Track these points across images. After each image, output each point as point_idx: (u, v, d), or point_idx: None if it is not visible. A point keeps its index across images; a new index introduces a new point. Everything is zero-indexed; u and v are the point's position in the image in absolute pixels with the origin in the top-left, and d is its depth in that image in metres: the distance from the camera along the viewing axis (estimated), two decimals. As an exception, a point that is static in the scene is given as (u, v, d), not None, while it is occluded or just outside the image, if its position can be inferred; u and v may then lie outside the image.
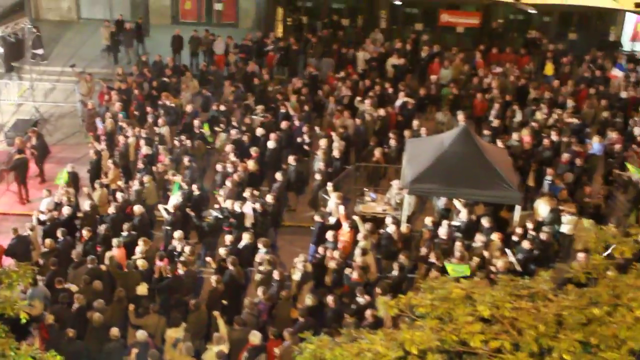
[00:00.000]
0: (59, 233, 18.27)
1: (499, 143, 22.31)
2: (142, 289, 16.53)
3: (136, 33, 31.99)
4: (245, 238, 18.10)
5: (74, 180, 21.44)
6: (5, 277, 10.86)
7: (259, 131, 23.36)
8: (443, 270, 16.41)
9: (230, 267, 16.90)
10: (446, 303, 9.54)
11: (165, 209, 19.51)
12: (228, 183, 20.42)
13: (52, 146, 25.29)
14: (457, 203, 19.65)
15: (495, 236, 18.21)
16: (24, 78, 29.92)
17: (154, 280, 16.85)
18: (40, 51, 30.95)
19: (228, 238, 18.11)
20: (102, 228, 18.77)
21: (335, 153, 22.40)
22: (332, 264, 17.45)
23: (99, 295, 16.16)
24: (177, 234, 18.14)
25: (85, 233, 18.53)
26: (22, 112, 28.30)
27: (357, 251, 17.97)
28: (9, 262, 17.76)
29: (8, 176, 23.39)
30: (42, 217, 19.32)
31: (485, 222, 18.87)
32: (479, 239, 18.25)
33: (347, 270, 17.23)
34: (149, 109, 25.05)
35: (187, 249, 17.55)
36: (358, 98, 26.36)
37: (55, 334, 15.21)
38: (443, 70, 29.02)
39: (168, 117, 24.48)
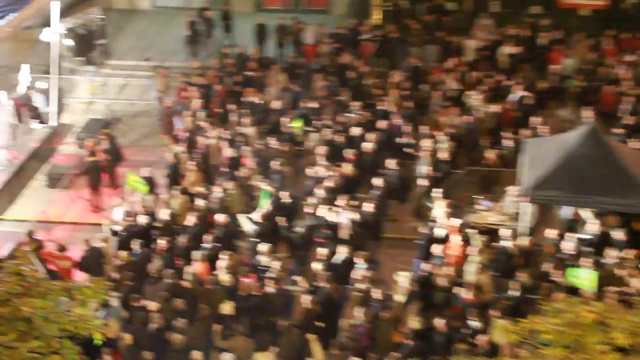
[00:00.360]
0: (134, 244, 18.69)
1: (633, 143, 21.70)
2: (226, 308, 16.72)
3: (223, 22, 32.44)
4: (342, 252, 18.10)
5: (151, 185, 21.90)
6: (77, 293, 11.07)
7: (355, 131, 23.35)
8: (570, 291, 16.04)
9: (325, 285, 16.92)
10: (575, 329, 9.30)
11: (251, 219, 19.74)
12: (321, 189, 20.48)
13: (125, 148, 25.90)
14: (584, 213, 19.21)
15: (630, 252, 17.74)
16: (95, 73, 30.79)
17: (240, 298, 17.02)
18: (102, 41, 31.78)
19: (322, 252, 18.14)
20: (181, 239, 19.09)
21: (442, 155, 22.21)
22: (440, 282, 17.28)
23: (179, 314, 16.42)
24: (265, 247, 18.28)
25: (163, 244, 18.89)
26: (94, 111, 29.06)
27: (469, 267, 17.77)
28: (81, 276, 18.29)
29: (79, 182, 24.08)
30: (116, 227, 19.82)
31: (617, 235, 18.39)
32: (610, 255, 17.80)
33: (458, 290, 17.04)
34: (231, 106, 25.38)
35: (276, 263, 17.66)
36: (467, 92, 26.09)
37: (131, 357, 15.52)
38: (565, 59, 28.42)
39: (253, 115, 24.76)
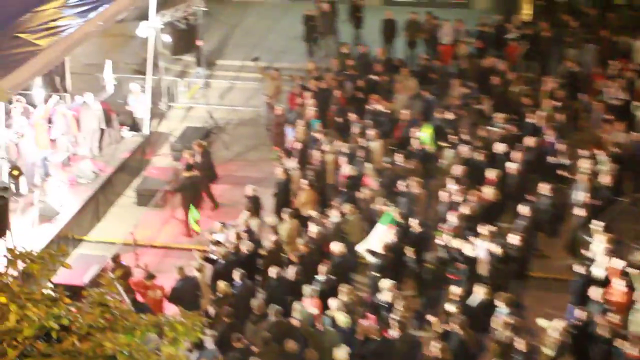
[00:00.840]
0: (235, 275, 18.83)
1: None
2: (341, 354, 16.64)
3: (351, 15, 32.61)
4: (479, 292, 17.84)
5: (255, 207, 22.08)
6: (168, 329, 11.14)
7: (498, 147, 23.07)
8: None
9: (458, 331, 16.69)
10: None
11: (372, 250, 19.64)
12: (455, 217, 20.27)
13: (229, 162, 26.26)
14: None
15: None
16: (198, 74, 31.40)
17: (357, 343, 16.94)
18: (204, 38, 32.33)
19: (455, 291, 17.91)
20: (290, 271, 19.15)
21: (603, 180, 21.72)
22: (599, 333, 16.84)
23: (286, 358, 16.44)
24: (388, 283, 18.16)
25: (269, 276, 18.98)
26: (193, 118, 29.65)
27: (635, 317, 17.23)
28: (172, 310, 18.55)
29: (174, 200, 24.53)
30: (214, 255, 20.04)
31: None
32: None
33: (621, 343, 16.56)
34: (352, 115, 25.46)
35: (400, 303, 17.51)
36: (635, 103, 25.48)
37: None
38: None
39: (377, 126, 24.72)
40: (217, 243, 20.33)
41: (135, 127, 27.74)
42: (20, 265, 9.18)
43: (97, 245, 23.30)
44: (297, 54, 32.52)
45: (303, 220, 21.29)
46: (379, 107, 25.73)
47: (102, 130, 26.60)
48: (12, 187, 22.24)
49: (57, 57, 23.25)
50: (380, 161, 23.44)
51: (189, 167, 23.66)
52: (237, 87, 31.27)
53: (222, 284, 18.55)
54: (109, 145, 26.90)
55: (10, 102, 23.94)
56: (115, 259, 19.99)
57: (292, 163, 23.52)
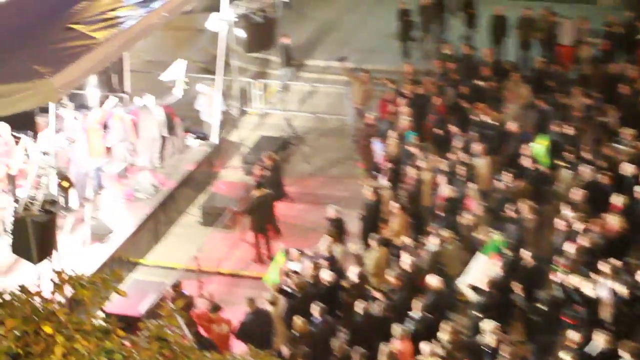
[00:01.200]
0: (314, 310, 18.77)
1: None
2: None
3: (464, 12, 32.46)
4: (599, 339, 17.54)
5: (337, 231, 22.03)
6: (237, 371, 11.19)
7: (626, 169, 22.75)
8: None
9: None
10: None
11: (474, 285, 19.52)
12: (574, 249, 20.02)
13: (309, 178, 26.29)
14: None
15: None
16: (270, 76, 31.56)
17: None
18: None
19: (572, 337, 17.65)
20: (377, 307, 19.06)
21: None
22: None
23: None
24: (491, 325, 17.97)
25: (352, 312, 18.87)
26: (269, 126, 29.82)
27: None
28: (240, 347, 18.58)
29: (244, 221, 24.58)
30: (290, 285, 20.01)
31: None
32: None
33: None
34: (453, 127, 25.35)
35: (506, 349, 17.33)
36: None
37: None
38: None
39: (483, 140, 24.54)
40: (294, 273, 20.31)
41: (202, 134, 27.92)
42: (69, 290, 9.24)
43: (156, 271, 23.53)
44: (390, 54, 32.50)
45: (394, 249, 21.22)
46: (485, 118, 25.54)
47: (164, 138, 26.84)
48: (61, 200, 22.51)
49: (115, 53, 23.53)
50: (485, 181, 23.29)
51: (260, 185, 23.72)
52: (320, 92, 31.35)
53: (298, 320, 18.50)
54: (171, 155, 27.16)
55: (60, 104, 24.23)
56: (176, 287, 20.09)
57: (383, 181, 23.47)
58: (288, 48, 31.29)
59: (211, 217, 25.15)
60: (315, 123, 29.85)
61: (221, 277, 23.13)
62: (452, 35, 32.42)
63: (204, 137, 27.90)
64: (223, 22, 28.18)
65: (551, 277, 19.70)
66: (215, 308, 19.36)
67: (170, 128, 26.97)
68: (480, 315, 18.80)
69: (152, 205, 24.93)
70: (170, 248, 24.58)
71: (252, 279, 22.70)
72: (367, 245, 21.31)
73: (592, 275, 19.29)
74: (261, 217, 23.66)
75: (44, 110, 22.95)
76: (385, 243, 21.30)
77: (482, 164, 23.81)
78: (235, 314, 19.54)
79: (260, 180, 23.96)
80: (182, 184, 26.25)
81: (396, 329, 18.07)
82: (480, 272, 19.88)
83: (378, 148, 25.28)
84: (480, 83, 27.63)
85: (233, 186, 26.44)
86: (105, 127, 25.85)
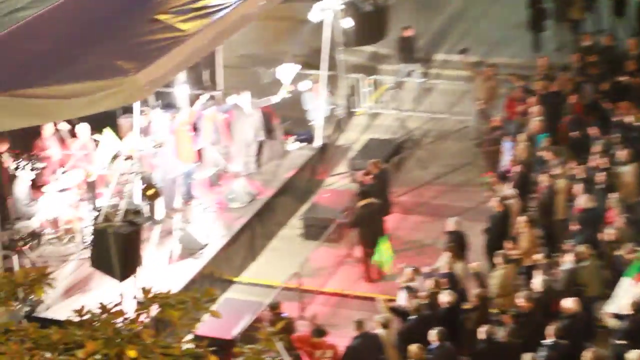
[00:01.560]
0: (431, 335, 18.61)
1: None
2: None
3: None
4: None
5: (458, 247, 21.84)
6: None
7: None
8: None
9: None
10: None
11: (617, 310, 19.21)
12: None
13: (425, 187, 26.15)
14: None
15: None
16: (381, 72, 31.49)
17: None
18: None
19: None
20: (504, 332, 18.87)
21: None
22: None
23: None
24: (637, 354, 17.67)
25: (475, 338, 18.75)
26: (380, 128, 29.80)
27: None
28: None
29: (351, 234, 24.50)
30: (403, 306, 19.91)
31: None
32: None
33: None
34: (593, 129, 25.03)
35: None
36: None
37: None
38: None
39: (628, 144, 24.17)
40: (409, 292, 20.19)
41: (304, 137, 27.95)
42: (155, 310, 9.27)
43: (251, 289, 23.64)
44: (518, 47, 32.25)
45: (523, 267, 21.01)
46: (629, 119, 25.21)
47: (261, 141, 26.92)
48: (146, 210, 22.71)
49: (206, 46, 23.52)
50: (629, 191, 23.01)
51: (364, 194, 23.60)
52: (438, 89, 31.21)
53: (413, 347, 18.35)
54: (269, 160, 27.21)
55: (146, 103, 24.37)
56: (275, 307, 20.13)
57: (510, 191, 23.23)
58: (411, 41, 31.19)
59: (314, 229, 25.16)
60: (432, 124, 29.78)
61: (325, 296, 23.12)
62: (591, 25, 31.97)
63: (306, 140, 27.92)
64: (328, 12, 28.08)
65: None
66: (319, 332, 19.32)
67: (268, 130, 27.03)
68: (624, 344, 18.50)
69: (247, 216, 24.95)
70: (267, 264, 24.67)
71: (360, 299, 22.67)
72: (492, 263, 21.13)
73: None
74: (370, 230, 23.54)
75: (128, 110, 23.15)
76: (513, 260, 21.08)
77: (625, 170, 23.48)
78: (341, 338, 19.51)
79: (364, 189, 23.85)
80: (281, 192, 26.24)
81: (526, 357, 17.89)
82: (626, 298, 19.57)
83: (505, 152, 25.03)
84: (624, 79, 27.26)
85: (339, 195, 26.40)
86: (195, 128, 25.98)
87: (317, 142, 27.94)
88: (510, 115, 26.77)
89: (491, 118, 26.38)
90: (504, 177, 24.24)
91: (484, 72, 28.43)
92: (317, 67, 28.25)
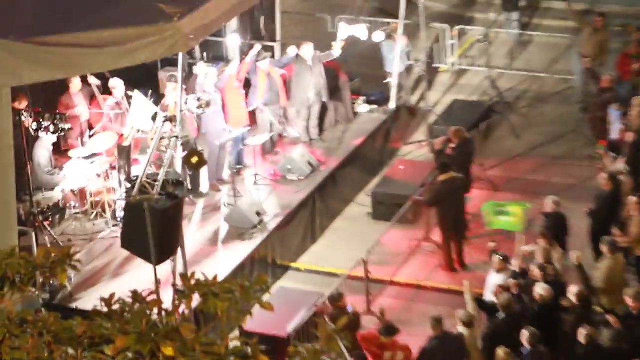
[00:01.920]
0: (523, 337, 18.54)
1: None
2: None
3: None
4: None
5: (557, 232, 21.68)
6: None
7: None
8: None
9: None
10: None
11: None
12: None
13: (519, 159, 26.03)
14: None
15: None
16: (470, 21, 31.43)
17: None
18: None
19: None
20: (609, 335, 18.73)
21: None
22: None
23: None
24: None
25: (575, 341, 18.65)
26: (467, 88, 29.79)
27: None
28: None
29: (428, 214, 24.48)
30: (492, 300, 19.85)
31: None
32: None
33: None
34: None
35: None
36: None
37: None
38: None
39: None
40: (498, 287, 20.14)
41: (376, 98, 27.86)
42: (196, 301, 9.28)
43: (310, 277, 23.69)
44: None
45: (634, 258, 20.91)
46: None
47: (325, 102, 26.88)
48: (189, 181, 22.76)
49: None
50: None
51: (444, 167, 23.44)
52: (536, 42, 31.05)
53: (501, 351, 18.30)
54: (334, 124, 27.22)
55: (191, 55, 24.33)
56: (337, 300, 20.07)
57: (621, 165, 23.09)
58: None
59: (385, 208, 25.13)
60: (529, 84, 29.73)
61: (397, 288, 23.11)
62: None
63: (378, 102, 27.85)
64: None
65: None
66: (389, 330, 19.26)
67: (334, 89, 26.96)
68: None
69: (307, 190, 24.97)
70: (329, 248, 24.66)
71: (439, 292, 22.67)
72: (598, 252, 20.99)
73: None
74: (452, 210, 23.47)
75: (170, 63, 23.17)
76: (622, 250, 20.98)
77: None
78: (415, 337, 19.47)
79: (445, 161, 23.72)
80: (347, 162, 26.23)
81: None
82: None
83: (616, 119, 24.87)
84: None
85: (415, 167, 26.35)
86: (247, 86, 25.99)
87: (392, 104, 27.91)
88: (624, 75, 26.61)
89: (600, 78, 26.18)
90: (613, 149, 24.07)
91: (592, 23, 28.22)
92: (393, 15, 28.20)
